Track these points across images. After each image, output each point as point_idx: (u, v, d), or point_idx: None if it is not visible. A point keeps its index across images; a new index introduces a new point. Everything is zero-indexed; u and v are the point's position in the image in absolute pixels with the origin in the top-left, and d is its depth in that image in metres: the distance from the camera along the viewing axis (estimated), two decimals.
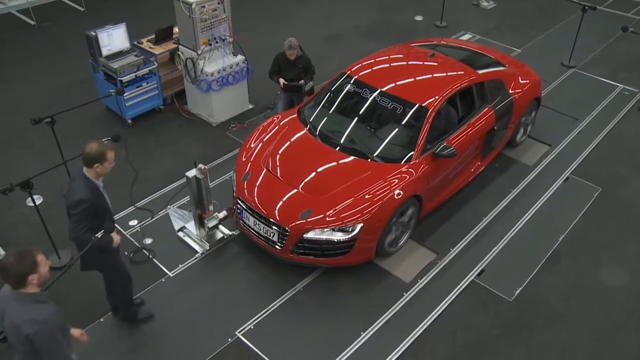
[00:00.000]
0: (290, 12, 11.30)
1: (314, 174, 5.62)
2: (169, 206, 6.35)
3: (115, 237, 4.43)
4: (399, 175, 5.50)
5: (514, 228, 6.12)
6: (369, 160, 5.69)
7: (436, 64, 6.58)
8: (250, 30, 9.17)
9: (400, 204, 5.39)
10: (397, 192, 5.35)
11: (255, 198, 5.53)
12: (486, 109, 6.42)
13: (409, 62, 6.79)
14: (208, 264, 5.66)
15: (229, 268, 5.64)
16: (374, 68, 6.51)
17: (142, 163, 7.04)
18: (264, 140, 6.09)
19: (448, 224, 6.17)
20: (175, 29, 7.84)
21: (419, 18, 11.09)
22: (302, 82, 7.17)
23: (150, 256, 5.70)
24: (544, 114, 7.84)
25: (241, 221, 5.73)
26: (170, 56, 8.01)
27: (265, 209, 5.42)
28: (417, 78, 6.35)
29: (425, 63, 6.63)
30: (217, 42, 7.36)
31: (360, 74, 6.38)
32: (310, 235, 5.24)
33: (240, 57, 7.67)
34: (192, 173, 5.42)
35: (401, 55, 6.88)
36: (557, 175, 6.87)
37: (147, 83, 7.56)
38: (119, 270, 4.69)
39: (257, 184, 5.64)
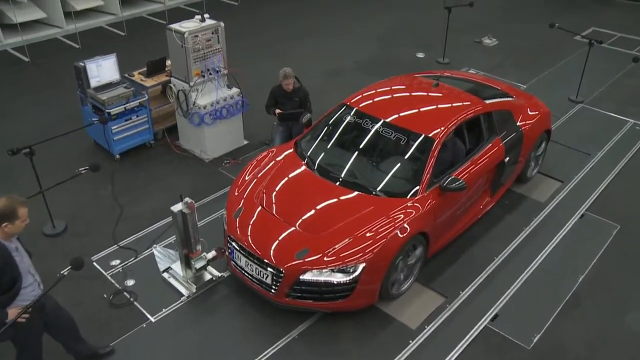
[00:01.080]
0: (289, 47, 11.11)
1: (311, 210, 5.18)
2: (154, 245, 5.88)
3: (12, 312, 3.69)
4: (404, 211, 5.06)
5: (529, 268, 5.63)
6: (372, 195, 5.26)
7: (441, 94, 6.25)
8: (247, 64, 8.91)
9: (406, 242, 4.93)
10: (402, 228, 4.90)
11: (248, 236, 5.07)
12: (495, 140, 6.04)
13: (413, 92, 6.46)
14: (194, 308, 5.15)
15: (217, 313, 5.12)
16: (375, 99, 6.17)
17: (128, 199, 6.61)
18: (258, 175, 5.68)
19: (457, 265, 5.68)
20: (168, 62, 7.56)
21: (420, 55, 10.87)
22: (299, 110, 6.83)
23: (132, 299, 5.19)
24: (554, 149, 7.46)
25: (232, 262, 5.26)
26: (162, 89, 7.70)
27: (257, 248, 4.95)
28: (422, 109, 5.99)
29: (430, 94, 6.29)
30: (210, 74, 7.05)
31: (361, 105, 6.03)
32: (307, 276, 4.76)
33: (235, 90, 7.35)
34: (177, 207, 4.98)
35: (404, 86, 6.56)
36: (571, 212, 6.43)
37: (137, 116, 7.21)
38: (30, 350, 4.09)
39: (250, 222, 5.19)
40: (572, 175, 7.08)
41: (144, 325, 4.94)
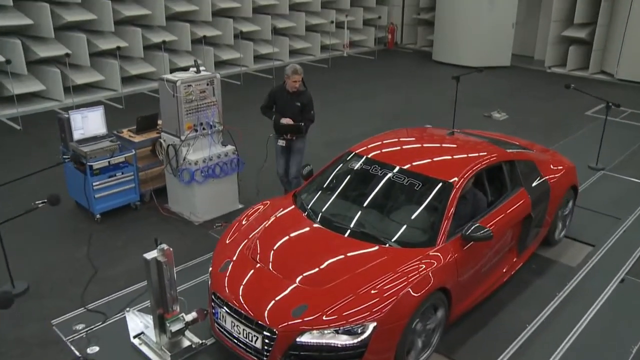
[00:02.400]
0: None
1: (312, 263, 4.41)
2: (127, 309, 5.03)
3: None
4: (423, 262, 4.30)
5: (568, 338, 4.73)
6: (385, 245, 4.52)
7: (456, 144, 5.67)
8: (247, 125, 8.45)
9: (425, 299, 4.11)
10: (421, 281, 4.12)
11: (235, 292, 4.27)
12: (520, 191, 5.37)
13: (425, 141, 5.89)
14: None
15: None
16: (385, 147, 5.56)
17: (104, 261, 5.84)
18: (251, 226, 4.96)
19: (482, 333, 4.80)
20: (160, 122, 7.09)
21: (429, 126, 10.46)
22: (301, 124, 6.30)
23: None
24: (580, 214, 6.77)
25: (216, 324, 4.41)
26: (152, 148, 7.16)
27: (245, 304, 4.14)
28: (437, 157, 5.39)
29: (444, 144, 5.72)
30: (204, 129, 6.54)
31: (371, 153, 5.39)
32: (305, 339, 3.90)
33: (230, 147, 6.80)
34: (151, 255, 4.22)
35: (414, 136, 6.00)
36: (609, 277, 5.60)
37: (122, 173, 6.61)
38: None
39: (239, 276, 4.41)
40: (604, 239, 6.31)
41: None
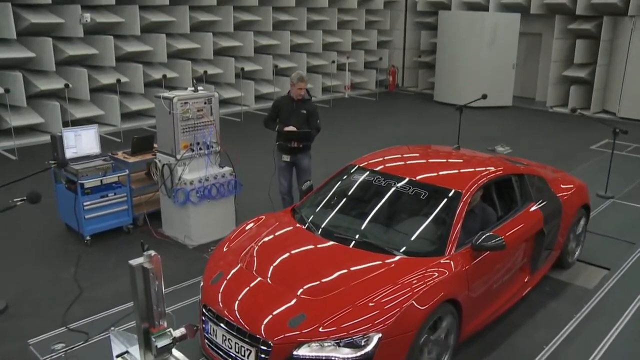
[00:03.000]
0: None
1: (312, 273, 4.11)
2: (112, 328, 4.66)
3: None
4: (432, 270, 4.00)
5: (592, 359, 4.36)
6: (391, 254, 4.22)
7: (463, 159, 5.44)
8: (246, 156, 8.26)
9: (434, 310, 3.78)
10: (430, 290, 3.81)
11: (226, 303, 3.95)
12: (530, 206, 5.10)
13: (430, 157, 5.67)
14: None
15: None
16: (388, 163, 5.31)
17: (91, 282, 5.52)
18: (246, 239, 4.68)
19: (497, 354, 4.43)
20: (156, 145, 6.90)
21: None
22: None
23: None
24: (593, 239, 6.47)
25: (206, 340, 4.06)
26: (147, 170, 6.94)
27: (238, 315, 3.82)
28: (443, 170, 5.14)
29: (450, 159, 5.50)
30: (200, 149, 6.34)
31: (377, 167, 5.14)
32: (303, 352, 3.56)
33: (227, 169, 6.57)
34: (137, 261, 3.90)
35: (417, 152, 5.77)
36: (630, 298, 5.26)
37: (115, 194, 6.36)
38: None
39: (231, 287, 4.11)
40: (620, 263, 5.99)
41: None
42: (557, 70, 14.68)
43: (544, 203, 5.23)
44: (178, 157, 6.18)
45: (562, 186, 5.77)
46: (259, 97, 14.81)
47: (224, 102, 14.07)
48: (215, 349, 3.96)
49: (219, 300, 4.00)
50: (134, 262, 3.93)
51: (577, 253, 5.94)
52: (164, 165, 6.30)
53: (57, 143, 6.23)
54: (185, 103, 6.11)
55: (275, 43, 14.68)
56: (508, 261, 4.64)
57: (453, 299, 3.96)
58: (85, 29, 11.12)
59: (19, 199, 4.20)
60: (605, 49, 13.77)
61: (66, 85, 10.46)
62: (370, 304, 3.70)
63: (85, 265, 5.86)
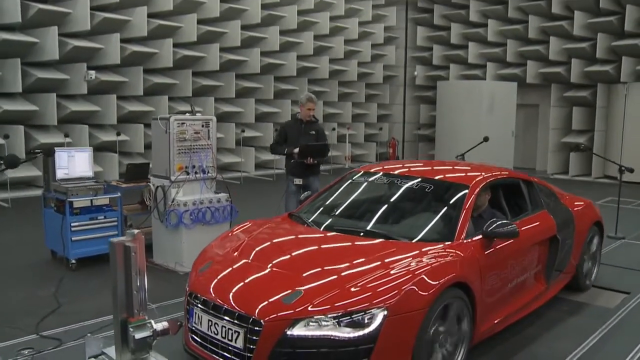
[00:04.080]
0: None
1: (312, 258, 3.86)
2: (88, 334, 4.22)
3: None
4: (442, 252, 3.72)
5: None
6: (398, 240, 3.95)
7: (469, 167, 5.24)
8: (246, 206, 8.06)
9: (445, 289, 3.43)
10: (440, 267, 3.52)
11: (215, 287, 3.60)
12: (542, 212, 4.84)
13: (434, 165, 5.51)
14: None
15: None
16: (396, 170, 5.13)
17: (71, 298, 5.12)
18: (240, 236, 4.38)
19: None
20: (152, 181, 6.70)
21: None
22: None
23: None
24: (608, 270, 6.11)
25: (190, 334, 3.65)
26: (140, 199, 6.71)
27: (225, 295, 3.46)
28: (450, 174, 4.95)
29: (456, 167, 5.31)
30: (196, 172, 6.15)
31: (381, 170, 4.97)
32: (297, 331, 3.16)
33: (223, 195, 6.35)
34: (119, 239, 3.59)
35: (421, 162, 5.61)
36: None
37: (105, 217, 6.08)
38: None
39: (221, 271, 3.77)
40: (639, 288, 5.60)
41: None
42: (556, 137, 14.79)
43: (556, 212, 4.96)
44: (172, 178, 5.98)
45: (571, 202, 5.52)
46: (259, 165, 14.81)
47: (223, 168, 14.04)
48: (200, 341, 3.54)
49: (206, 284, 3.65)
50: (115, 239, 3.64)
51: (594, 274, 5.57)
52: (157, 187, 6.09)
53: (48, 165, 6.06)
54: (183, 123, 6.01)
55: (276, 111, 14.91)
56: (522, 259, 4.30)
57: (465, 284, 3.60)
58: (89, 87, 11.30)
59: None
60: (602, 115, 13.96)
61: (66, 134, 10.44)
62: (375, 280, 3.35)
63: (67, 285, 5.47)
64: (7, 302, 5.03)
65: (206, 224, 6.13)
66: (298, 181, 6.30)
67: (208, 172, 6.26)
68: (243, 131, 13.47)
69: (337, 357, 3.14)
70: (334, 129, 15.81)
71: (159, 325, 3.68)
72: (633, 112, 13.25)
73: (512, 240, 4.07)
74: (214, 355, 3.41)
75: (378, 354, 3.15)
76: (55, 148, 6.06)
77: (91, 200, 5.94)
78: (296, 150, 6.21)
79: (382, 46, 17.16)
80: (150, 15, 11.75)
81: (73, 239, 5.85)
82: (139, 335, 3.54)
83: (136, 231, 3.59)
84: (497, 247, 4.01)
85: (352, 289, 3.29)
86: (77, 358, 3.93)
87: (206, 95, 13.47)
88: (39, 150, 4.10)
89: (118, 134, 11.15)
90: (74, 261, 5.91)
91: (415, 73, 17.71)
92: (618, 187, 8.21)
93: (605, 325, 4.64)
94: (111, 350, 3.80)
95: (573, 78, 14.13)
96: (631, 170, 7.85)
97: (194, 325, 3.58)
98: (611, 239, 7.77)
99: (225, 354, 3.34)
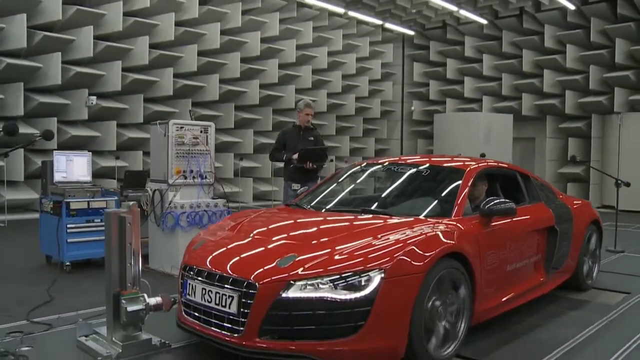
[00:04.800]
0: None
1: (309, 232, 3.83)
2: (79, 319, 4.13)
3: None
4: (440, 223, 3.73)
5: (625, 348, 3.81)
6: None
7: (469, 158, 5.28)
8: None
9: (443, 255, 3.39)
10: (439, 235, 3.50)
11: (209, 257, 3.56)
12: (540, 204, 4.84)
13: (433, 157, 5.55)
14: None
15: None
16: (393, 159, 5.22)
17: (65, 294, 5.03)
18: (236, 220, 4.35)
19: (517, 343, 3.89)
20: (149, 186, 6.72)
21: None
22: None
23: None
24: (607, 277, 6.03)
25: (184, 307, 3.58)
26: (139, 205, 6.67)
27: (220, 263, 3.42)
28: (447, 163, 4.99)
29: (454, 159, 5.35)
30: (194, 177, 6.16)
31: (382, 162, 5.09)
32: (292, 294, 3.12)
33: (220, 200, 6.34)
34: (114, 210, 3.59)
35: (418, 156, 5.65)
36: None
37: (102, 220, 6.02)
38: None
39: (216, 244, 3.76)
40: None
41: None
42: (553, 168, 14.87)
43: (554, 205, 4.96)
44: (170, 181, 5.99)
45: (569, 200, 5.52)
46: (257, 196, 14.81)
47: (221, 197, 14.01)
48: (194, 313, 3.47)
49: (202, 257, 3.60)
50: (110, 210, 3.64)
51: (594, 273, 5.51)
52: (154, 190, 6.08)
53: (47, 169, 6.08)
54: (181, 127, 6.07)
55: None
56: (520, 244, 4.27)
57: (462, 256, 3.55)
58: (90, 113, 11.44)
59: None
60: (597, 145, 14.08)
61: None
62: (373, 243, 3.33)
63: (60, 285, 5.37)
64: None
65: (203, 227, 6.08)
66: (296, 186, 6.30)
67: (206, 177, 6.27)
68: (241, 159, 13.52)
69: (334, 320, 3.08)
70: (332, 160, 15.88)
71: (152, 300, 3.67)
72: (628, 141, 13.38)
73: (509, 221, 4.06)
74: (207, 326, 3.34)
75: (375, 317, 3.08)
76: (55, 151, 6.10)
77: (88, 203, 5.92)
78: (295, 155, 6.24)
79: (380, 82, 17.47)
80: (152, 45, 12.01)
81: (68, 240, 5.80)
82: (131, 307, 3.52)
83: (131, 203, 3.60)
84: (496, 227, 3.99)
85: (348, 253, 3.25)
86: (65, 337, 3.84)
87: None
88: (38, 135, 4.10)
89: (117, 158, 11.18)
90: (68, 263, 5.84)
91: (412, 108, 17.96)
92: (615, 213, 8.18)
93: (606, 317, 4.55)
94: (103, 330, 3.75)
95: (568, 109, 14.33)
96: (627, 184, 7.86)
97: (187, 297, 3.52)
98: (610, 252, 7.72)
99: (219, 322, 3.27)
